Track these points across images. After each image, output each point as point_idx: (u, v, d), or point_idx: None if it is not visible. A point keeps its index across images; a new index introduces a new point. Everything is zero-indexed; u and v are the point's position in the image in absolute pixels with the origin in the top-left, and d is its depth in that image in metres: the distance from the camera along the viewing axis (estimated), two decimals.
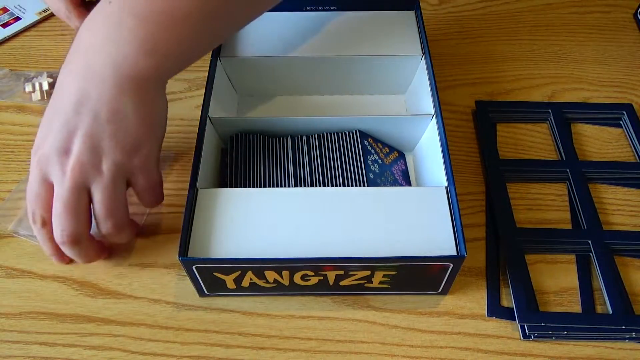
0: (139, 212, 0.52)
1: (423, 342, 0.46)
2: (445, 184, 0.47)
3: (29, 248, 0.51)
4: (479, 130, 0.60)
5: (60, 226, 0.42)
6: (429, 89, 0.54)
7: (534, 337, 0.46)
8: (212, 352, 0.45)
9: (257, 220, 0.45)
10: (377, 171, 0.53)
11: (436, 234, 0.44)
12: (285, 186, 0.51)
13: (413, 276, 0.45)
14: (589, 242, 0.51)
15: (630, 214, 0.54)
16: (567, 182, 0.56)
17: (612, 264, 0.50)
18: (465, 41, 0.71)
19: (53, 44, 0.70)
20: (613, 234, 0.52)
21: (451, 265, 0.43)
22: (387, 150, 0.56)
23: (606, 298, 0.48)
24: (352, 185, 0.51)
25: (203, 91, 0.53)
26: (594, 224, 0.52)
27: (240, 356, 0.45)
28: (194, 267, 0.43)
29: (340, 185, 0.51)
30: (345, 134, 0.54)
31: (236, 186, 0.51)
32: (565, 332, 0.46)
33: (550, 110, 0.62)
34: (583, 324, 0.46)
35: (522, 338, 0.46)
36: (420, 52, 0.58)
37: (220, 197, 0.46)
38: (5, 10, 0.74)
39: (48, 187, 0.43)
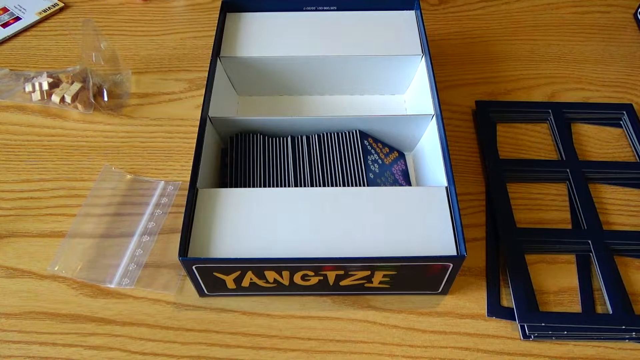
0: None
1: (423, 342, 0.46)
2: (445, 184, 0.47)
3: (29, 248, 0.51)
4: (479, 130, 0.60)
5: None
6: (429, 89, 0.54)
7: (534, 337, 0.46)
8: (212, 352, 0.45)
9: (257, 220, 0.45)
10: (377, 171, 0.53)
11: (436, 234, 0.44)
12: (285, 186, 0.51)
13: (413, 276, 0.45)
14: (589, 242, 0.51)
15: (630, 214, 0.54)
16: (567, 182, 0.56)
17: (612, 264, 0.50)
18: (465, 41, 0.71)
19: (53, 44, 0.70)
20: (613, 234, 0.52)
21: (451, 265, 0.43)
22: (387, 150, 0.56)
23: (606, 298, 0.48)
24: (352, 185, 0.51)
25: (203, 91, 0.53)
26: (594, 224, 0.52)
27: (240, 356, 0.45)
28: (194, 267, 0.43)
29: (340, 185, 0.51)
30: (345, 134, 0.54)
31: (236, 186, 0.51)
32: (565, 332, 0.46)
33: (550, 110, 0.62)
34: (583, 324, 0.46)
35: (522, 338, 0.46)
36: (420, 52, 0.58)
37: (220, 197, 0.46)
38: (5, 10, 0.74)
39: None
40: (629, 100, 0.64)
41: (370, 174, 0.52)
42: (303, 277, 0.44)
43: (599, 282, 0.49)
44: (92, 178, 0.56)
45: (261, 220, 0.45)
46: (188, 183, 0.45)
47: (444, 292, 0.48)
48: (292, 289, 0.47)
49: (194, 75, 0.67)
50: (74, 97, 0.62)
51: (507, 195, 0.54)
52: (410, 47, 0.58)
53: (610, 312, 0.47)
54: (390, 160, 0.55)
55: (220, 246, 0.43)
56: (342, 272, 0.44)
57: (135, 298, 0.48)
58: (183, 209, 0.44)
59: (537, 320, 0.46)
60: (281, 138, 0.55)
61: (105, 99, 0.63)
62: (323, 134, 0.55)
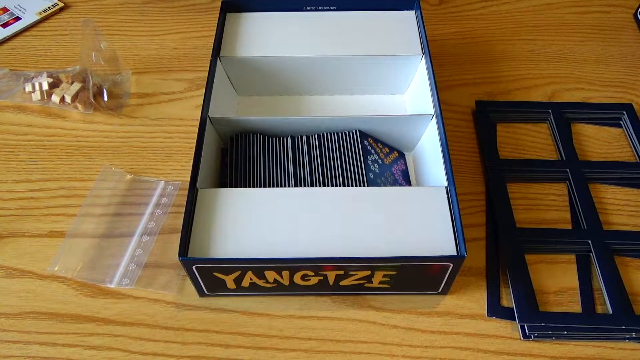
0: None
1: (423, 342, 0.46)
2: (445, 184, 0.47)
3: (29, 248, 0.51)
4: (479, 130, 0.60)
5: None
6: (429, 89, 0.54)
7: (534, 337, 0.46)
8: (212, 352, 0.45)
9: (257, 220, 0.45)
10: (377, 171, 0.53)
11: (436, 234, 0.44)
12: (285, 186, 0.51)
13: (413, 276, 0.45)
14: (589, 242, 0.51)
15: (630, 214, 0.54)
16: (567, 182, 0.56)
17: (612, 264, 0.50)
18: (465, 41, 0.71)
19: (53, 44, 0.70)
20: (613, 234, 0.52)
21: (451, 265, 0.43)
22: (387, 150, 0.56)
23: (606, 298, 0.48)
24: (352, 185, 0.51)
25: (203, 91, 0.53)
26: (594, 224, 0.52)
27: (240, 356, 0.45)
28: (194, 267, 0.43)
29: (340, 185, 0.51)
30: (345, 134, 0.54)
31: (236, 186, 0.51)
32: (565, 332, 0.46)
33: (550, 110, 0.62)
34: (583, 324, 0.46)
35: (522, 338, 0.46)
36: (420, 52, 0.58)
37: (220, 197, 0.46)
38: (5, 10, 0.74)
39: None
40: (629, 100, 0.64)
41: (370, 174, 0.52)
42: (303, 277, 0.44)
43: (599, 282, 0.49)
44: (92, 178, 0.56)
45: (261, 220, 0.45)
46: (188, 183, 0.45)
47: (444, 292, 0.48)
48: (292, 289, 0.47)
49: (194, 75, 0.67)
50: (74, 97, 0.62)
51: (507, 195, 0.54)
52: (410, 47, 0.58)
53: (610, 312, 0.47)
54: (390, 160, 0.55)
55: (220, 246, 0.43)
56: (342, 272, 0.44)
57: (135, 298, 0.48)
58: (183, 209, 0.44)
59: (537, 320, 0.46)
60: (281, 138, 0.55)
61: (105, 99, 0.63)
62: (323, 134, 0.55)
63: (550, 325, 0.46)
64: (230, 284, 0.45)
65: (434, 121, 0.52)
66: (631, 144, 0.60)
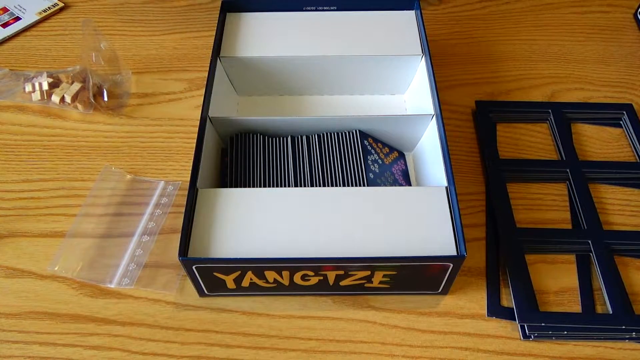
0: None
1: (423, 342, 0.46)
2: (445, 184, 0.47)
3: (29, 248, 0.51)
4: (479, 130, 0.60)
5: None
6: (429, 89, 0.54)
7: (534, 337, 0.46)
8: (212, 352, 0.45)
9: (257, 220, 0.45)
10: (377, 171, 0.53)
11: (436, 234, 0.44)
12: (285, 186, 0.51)
13: (413, 276, 0.45)
14: (589, 242, 0.51)
15: (630, 214, 0.54)
16: (567, 182, 0.56)
17: (612, 264, 0.50)
18: (465, 41, 0.71)
19: (53, 44, 0.70)
20: (613, 234, 0.52)
21: (451, 265, 0.43)
22: (387, 150, 0.56)
23: (606, 298, 0.48)
24: (352, 185, 0.51)
25: (203, 91, 0.53)
26: (594, 224, 0.52)
27: (240, 356, 0.45)
28: (194, 267, 0.43)
29: (340, 185, 0.51)
30: (345, 134, 0.54)
31: (236, 186, 0.51)
32: (565, 332, 0.46)
33: (550, 110, 0.62)
34: (583, 324, 0.46)
35: (522, 338, 0.46)
36: (420, 52, 0.58)
37: (220, 197, 0.46)
38: (5, 10, 0.74)
39: None
40: (629, 100, 0.64)
41: (370, 174, 0.52)
42: (303, 277, 0.44)
43: (599, 282, 0.49)
44: (92, 178, 0.56)
45: (261, 220, 0.45)
46: (188, 183, 0.45)
47: (444, 292, 0.48)
48: (292, 289, 0.47)
49: (194, 75, 0.67)
50: (74, 97, 0.62)
51: (507, 195, 0.54)
52: (410, 47, 0.58)
53: (610, 312, 0.47)
54: (390, 160, 0.55)
55: (220, 246, 0.43)
56: (342, 272, 0.44)
57: (135, 298, 0.48)
58: (183, 209, 0.44)
59: (537, 320, 0.46)
60: (281, 138, 0.55)
61: (105, 99, 0.63)
62: (323, 134, 0.55)
63: (550, 325, 0.46)
64: (230, 284, 0.45)
65: (434, 121, 0.52)
66: (631, 144, 0.60)
